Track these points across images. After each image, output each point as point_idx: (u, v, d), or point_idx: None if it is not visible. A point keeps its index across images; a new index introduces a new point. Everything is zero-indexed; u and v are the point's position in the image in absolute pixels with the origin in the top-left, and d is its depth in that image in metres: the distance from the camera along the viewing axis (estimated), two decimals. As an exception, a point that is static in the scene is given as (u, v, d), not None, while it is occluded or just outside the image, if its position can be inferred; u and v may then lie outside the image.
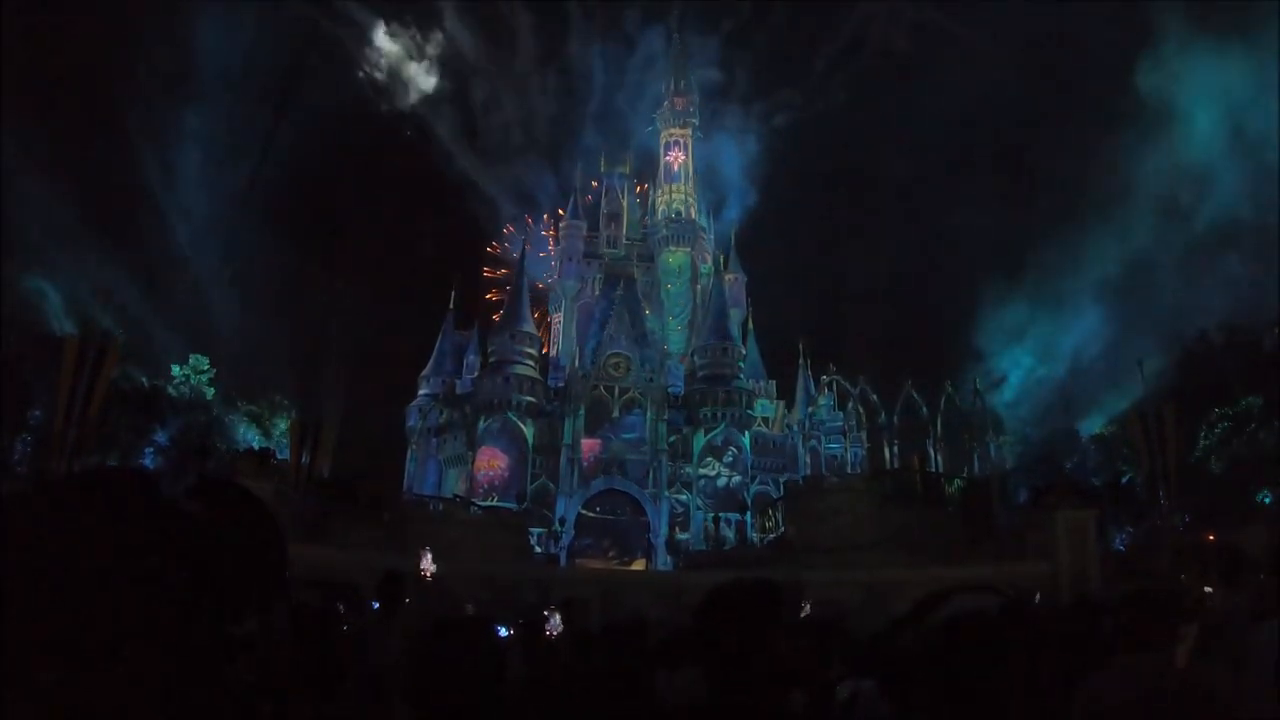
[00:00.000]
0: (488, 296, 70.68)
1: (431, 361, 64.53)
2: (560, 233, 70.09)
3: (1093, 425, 56.46)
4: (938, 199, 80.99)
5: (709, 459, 58.24)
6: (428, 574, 21.26)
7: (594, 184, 73.01)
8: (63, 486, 0.98)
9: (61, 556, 0.89)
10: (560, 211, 73.38)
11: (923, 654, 1.58)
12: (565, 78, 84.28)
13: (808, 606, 16.09)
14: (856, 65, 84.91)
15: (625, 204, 71.51)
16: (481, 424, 56.43)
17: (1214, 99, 64.20)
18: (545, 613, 9.23)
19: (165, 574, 0.94)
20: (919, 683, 1.59)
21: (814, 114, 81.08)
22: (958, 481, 46.54)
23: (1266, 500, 42.46)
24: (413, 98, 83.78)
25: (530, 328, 60.02)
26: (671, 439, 57.98)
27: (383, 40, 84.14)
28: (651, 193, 72.13)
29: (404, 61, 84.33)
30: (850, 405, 54.74)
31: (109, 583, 0.89)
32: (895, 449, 51.33)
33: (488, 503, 50.43)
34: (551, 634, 8.83)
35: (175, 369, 53.98)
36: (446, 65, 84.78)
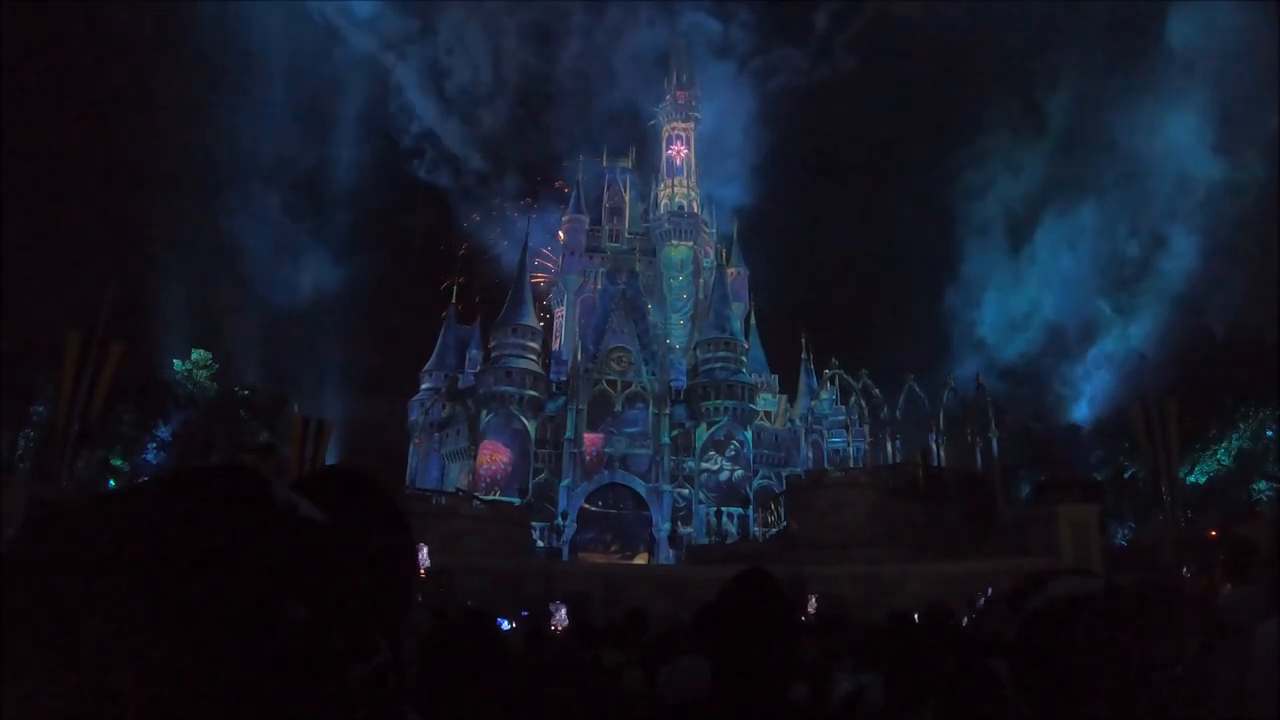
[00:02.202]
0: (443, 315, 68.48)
1: (433, 355, 64.59)
2: (563, 227, 70.07)
3: (1095, 416, 56.32)
4: (944, 175, 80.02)
5: (711, 453, 58.25)
6: (421, 571, 21.25)
7: (564, 162, 72.55)
8: (159, 487, 0.78)
9: (154, 567, 0.70)
10: (528, 200, 73.21)
11: (1026, 639, 1.59)
12: (556, 59, 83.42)
13: (814, 600, 16.10)
14: (860, 24, 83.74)
15: (627, 198, 71.47)
16: (484, 418, 56.46)
17: (1242, 57, 61.63)
18: (550, 606, 9.21)
19: (278, 599, 0.75)
20: (1020, 666, 1.62)
21: (817, 81, 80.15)
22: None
23: (1261, 485, 42.41)
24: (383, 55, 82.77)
25: (532, 321, 60.02)
26: (674, 433, 57.97)
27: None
28: (654, 186, 72.06)
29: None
30: (852, 399, 54.67)
31: (207, 605, 0.70)
32: (898, 443, 51.25)
33: (490, 497, 50.47)
34: (557, 628, 8.83)
35: (177, 364, 54.09)
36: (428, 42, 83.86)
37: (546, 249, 70.73)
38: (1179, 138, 65.24)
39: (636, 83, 77.49)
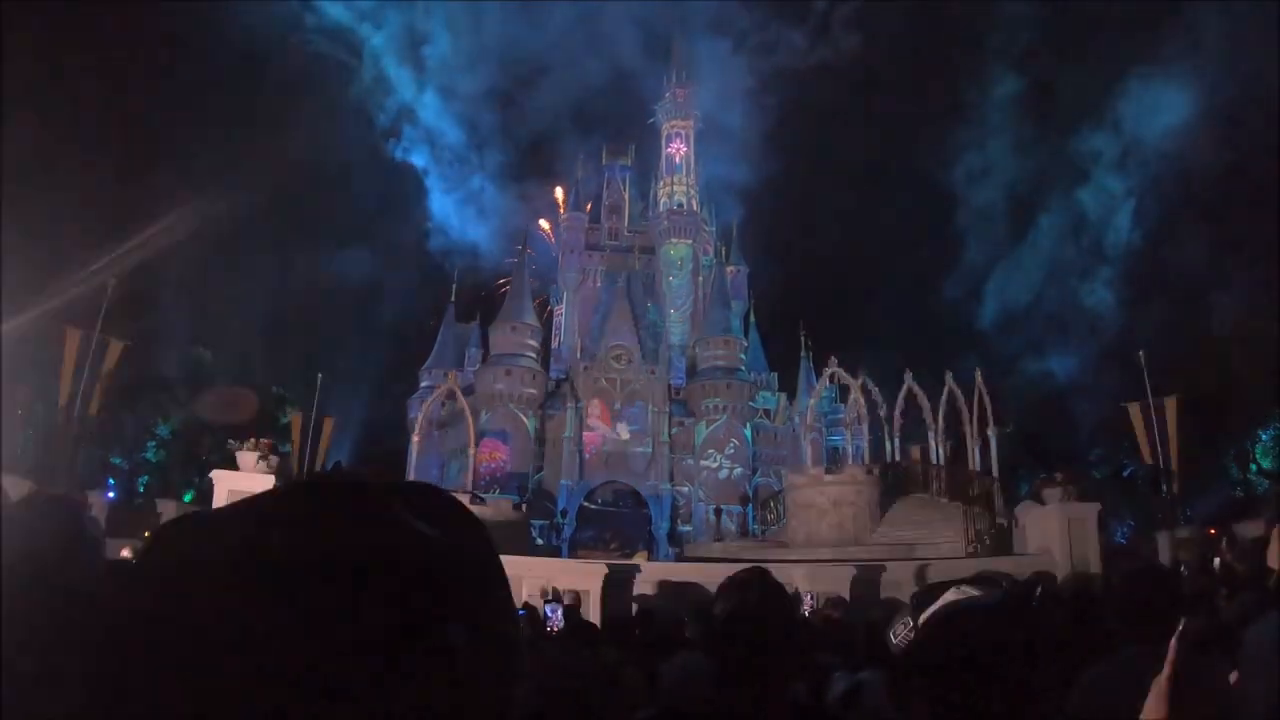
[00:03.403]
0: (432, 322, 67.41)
1: (432, 353, 64.60)
2: (561, 225, 70.05)
3: (1097, 413, 56.18)
4: (946, 157, 79.05)
5: (710, 451, 58.30)
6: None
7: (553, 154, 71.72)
8: (274, 500, 0.71)
9: (306, 593, 0.63)
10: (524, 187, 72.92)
11: (916, 650, 1.60)
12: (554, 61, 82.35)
13: (808, 598, 16.10)
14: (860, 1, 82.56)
15: (626, 196, 71.44)
16: (483, 416, 56.51)
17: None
18: (547, 609, 9.16)
19: (439, 622, 0.66)
20: (914, 679, 1.61)
21: (816, 63, 79.07)
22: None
23: (1262, 485, 42.45)
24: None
25: (531, 319, 60.06)
26: (673, 431, 58.01)
27: None
28: (653, 184, 72.00)
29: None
30: (852, 397, 54.64)
31: (365, 630, 0.63)
32: (897, 441, 51.21)
33: (489, 495, 50.49)
34: (552, 630, 8.80)
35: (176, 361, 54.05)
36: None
37: (528, 249, 70.42)
38: (1188, 121, 64.07)
39: (633, 57, 76.18)
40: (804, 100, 77.82)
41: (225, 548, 0.66)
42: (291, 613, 0.62)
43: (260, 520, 0.68)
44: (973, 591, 1.62)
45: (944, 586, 1.67)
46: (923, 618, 1.59)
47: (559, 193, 73.70)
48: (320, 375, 43.66)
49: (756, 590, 2.30)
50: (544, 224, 69.92)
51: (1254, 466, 45.76)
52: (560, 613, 9.12)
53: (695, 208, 70.49)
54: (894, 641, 1.65)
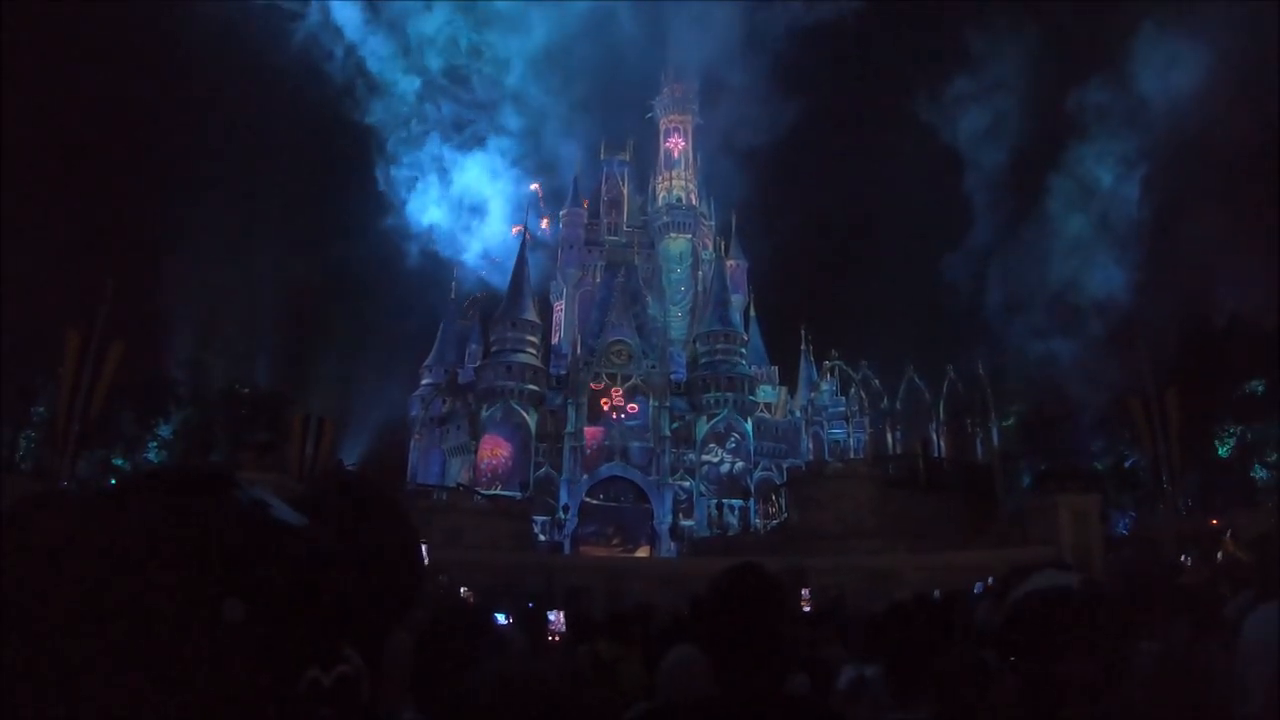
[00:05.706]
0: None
1: (434, 350, 64.57)
2: (561, 221, 69.91)
3: (1098, 404, 55.94)
4: (949, 118, 77.38)
5: (712, 445, 58.29)
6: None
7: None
8: (121, 486, 0.76)
9: (97, 561, 0.68)
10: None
11: (1007, 628, 1.66)
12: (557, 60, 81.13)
13: (807, 593, 16.09)
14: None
15: (625, 191, 71.32)
16: (484, 413, 56.49)
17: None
18: (549, 614, 9.09)
19: (216, 596, 0.71)
20: (1005, 656, 1.70)
21: (815, 24, 77.46)
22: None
23: (1262, 475, 42.36)
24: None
25: (532, 316, 60.00)
26: (674, 426, 58.00)
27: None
28: (652, 179, 71.86)
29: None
30: (852, 390, 54.71)
31: (150, 606, 0.69)
32: (898, 434, 51.30)
33: (491, 491, 50.52)
34: (555, 637, 8.75)
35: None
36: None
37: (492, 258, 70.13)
38: (1200, 86, 62.40)
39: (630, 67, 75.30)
40: (803, 70, 76.81)
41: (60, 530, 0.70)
42: (96, 596, 0.67)
43: (87, 507, 0.72)
44: (1060, 576, 1.67)
45: (1027, 570, 1.73)
46: (1014, 597, 1.64)
47: (535, 185, 73.60)
48: (319, 374, 43.60)
49: (750, 584, 2.29)
50: (517, 230, 68.54)
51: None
52: (562, 617, 9.08)
53: (694, 202, 70.38)
54: (980, 620, 1.73)
